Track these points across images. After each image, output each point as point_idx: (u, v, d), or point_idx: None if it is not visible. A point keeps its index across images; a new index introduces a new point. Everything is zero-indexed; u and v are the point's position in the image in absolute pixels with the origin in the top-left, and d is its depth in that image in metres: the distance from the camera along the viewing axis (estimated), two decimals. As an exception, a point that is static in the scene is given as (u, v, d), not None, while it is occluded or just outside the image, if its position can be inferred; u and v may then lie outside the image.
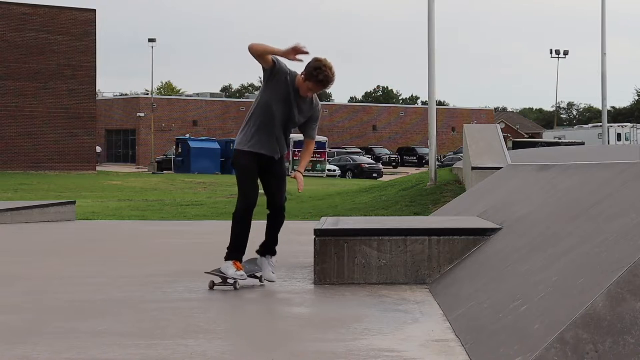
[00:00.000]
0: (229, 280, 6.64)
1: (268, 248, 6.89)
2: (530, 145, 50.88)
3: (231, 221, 6.80)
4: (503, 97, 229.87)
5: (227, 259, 6.68)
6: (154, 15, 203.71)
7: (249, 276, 6.76)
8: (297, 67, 6.61)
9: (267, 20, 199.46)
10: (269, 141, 6.69)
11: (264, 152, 6.70)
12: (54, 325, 5.28)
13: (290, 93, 6.62)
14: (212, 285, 6.67)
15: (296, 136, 60.92)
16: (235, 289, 6.59)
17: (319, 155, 58.38)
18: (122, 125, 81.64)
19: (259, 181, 6.81)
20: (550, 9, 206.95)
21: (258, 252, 6.91)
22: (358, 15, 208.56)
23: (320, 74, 6.47)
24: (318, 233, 7.01)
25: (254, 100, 6.80)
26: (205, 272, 6.78)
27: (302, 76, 6.57)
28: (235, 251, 6.67)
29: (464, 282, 6.21)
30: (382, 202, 21.49)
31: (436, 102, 23.52)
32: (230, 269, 6.61)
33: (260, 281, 6.87)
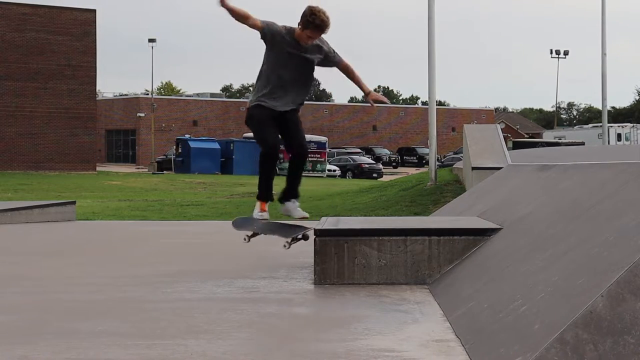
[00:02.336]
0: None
1: (290, 192, 7.29)
2: (530, 145, 50.87)
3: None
4: (503, 97, 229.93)
5: (257, 198, 7.27)
6: (154, 15, 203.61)
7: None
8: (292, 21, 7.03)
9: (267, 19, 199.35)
10: (283, 98, 7.04)
11: (277, 105, 7.03)
12: (54, 325, 5.28)
13: (291, 51, 6.92)
14: (248, 239, 7.36)
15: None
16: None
17: (318, 155, 58.36)
18: (122, 125, 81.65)
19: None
20: (550, 9, 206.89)
21: (281, 199, 7.31)
22: (358, 15, 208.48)
23: (316, 18, 6.79)
24: (318, 233, 7.01)
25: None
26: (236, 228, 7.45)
27: (299, 26, 6.90)
28: (262, 191, 7.19)
29: (464, 282, 6.21)
30: (382, 202, 21.48)
31: (436, 102, 23.51)
32: (255, 210, 7.18)
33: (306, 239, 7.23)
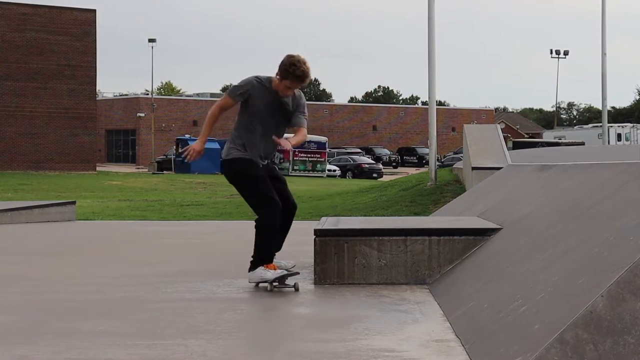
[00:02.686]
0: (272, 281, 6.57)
1: (277, 246, 6.88)
2: (530, 145, 50.86)
3: (258, 231, 6.59)
4: (503, 97, 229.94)
5: (255, 266, 6.59)
6: (154, 15, 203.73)
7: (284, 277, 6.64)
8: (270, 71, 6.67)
9: (267, 19, 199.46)
10: (267, 147, 6.70)
11: (264, 161, 6.70)
12: (54, 325, 5.28)
13: (270, 102, 6.60)
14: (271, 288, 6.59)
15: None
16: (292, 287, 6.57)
17: (319, 155, 58.37)
18: (122, 125, 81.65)
19: None
20: (550, 9, 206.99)
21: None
22: (358, 15, 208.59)
23: (296, 69, 6.43)
24: (318, 233, 7.01)
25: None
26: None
27: (277, 77, 6.53)
28: (268, 256, 6.60)
29: (464, 282, 6.21)
30: (382, 202, 21.48)
31: (436, 102, 23.52)
32: (267, 272, 6.54)
33: (296, 288, 6.61)
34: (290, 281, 6.65)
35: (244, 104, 6.63)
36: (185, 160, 6.78)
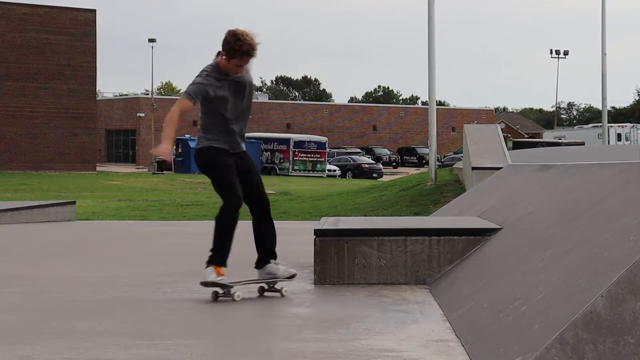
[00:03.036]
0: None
1: (268, 254, 6.41)
2: (530, 145, 50.86)
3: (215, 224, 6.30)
4: (503, 97, 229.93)
5: (210, 263, 6.24)
6: (154, 15, 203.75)
7: (269, 288, 6.39)
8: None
9: (267, 19, 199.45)
10: (237, 137, 6.37)
11: (236, 150, 6.35)
12: (54, 325, 5.28)
13: (227, 89, 6.27)
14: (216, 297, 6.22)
15: (296, 136, 60.27)
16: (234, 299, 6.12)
17: (319, 155, 58.38)
18: (122, 125, 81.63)
19: None
20: (550, 9, 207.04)
21: (257, 267, 6.44)
22: (358, 15, 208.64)
23: (243, 44, 6.07)
24: (318, 233, 7.01)
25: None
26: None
27: (223, 57, 6.17)
28: (221, 256, 6.24)
29: (464, 282, 6.21)
30: (382, 202, 21.49)
31: (436, 102, 23.52)
32: (212, 274, 6.15)
33: (282, 294, 6.38)
34: (279, 285, 6.43)
35: (204, 99, 6.32)
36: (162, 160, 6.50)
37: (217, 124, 6.37)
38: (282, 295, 6.35)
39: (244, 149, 6.48)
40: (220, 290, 6.13)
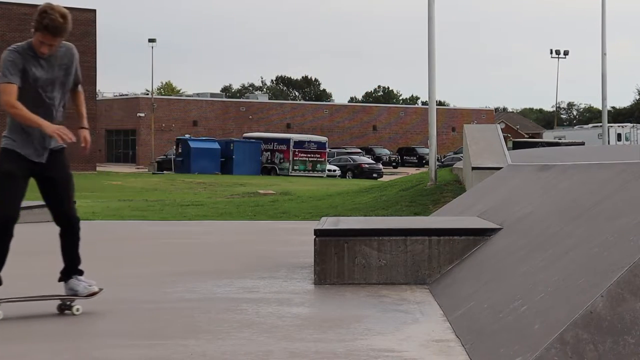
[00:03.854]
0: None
1: (71, 269, 5.89)
2: (530, 145, 50.85)
3: None
4: (503, 97, 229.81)
5: None
6: (154, 15, 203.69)
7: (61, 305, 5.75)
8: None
9: (267, 19, 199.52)
10: (32, 141, 5.65)
11: (32, 157, 5.66)
12: (54, 325, 5.28)
13: (38, 70, 5.55)
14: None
15: (296, 136, 60.23)
16: None
17: (319, 155, 58.37)
18: (122, 125, 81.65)
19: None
20: (550, 9, 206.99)
21: (61, 279, 5.91)
22: (358, 15, 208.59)
23: (45, 17, 5.37)
24: (318, 233, 7.01)
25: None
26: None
27: (33, 31, 5.46)
28: None
29: (464, 282, 6.21)
30: (382, 202, 21.48)
31: (436, 102, 23.52)
32: None
33: (75, 311, 5.68)
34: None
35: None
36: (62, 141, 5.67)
37: (17, 123, 5.64)
38: (74, 314, 5.64)
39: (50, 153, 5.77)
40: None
